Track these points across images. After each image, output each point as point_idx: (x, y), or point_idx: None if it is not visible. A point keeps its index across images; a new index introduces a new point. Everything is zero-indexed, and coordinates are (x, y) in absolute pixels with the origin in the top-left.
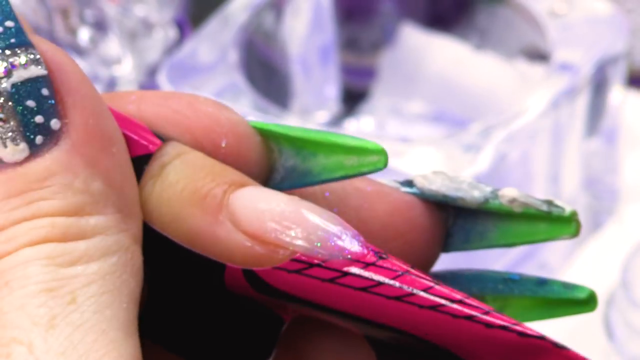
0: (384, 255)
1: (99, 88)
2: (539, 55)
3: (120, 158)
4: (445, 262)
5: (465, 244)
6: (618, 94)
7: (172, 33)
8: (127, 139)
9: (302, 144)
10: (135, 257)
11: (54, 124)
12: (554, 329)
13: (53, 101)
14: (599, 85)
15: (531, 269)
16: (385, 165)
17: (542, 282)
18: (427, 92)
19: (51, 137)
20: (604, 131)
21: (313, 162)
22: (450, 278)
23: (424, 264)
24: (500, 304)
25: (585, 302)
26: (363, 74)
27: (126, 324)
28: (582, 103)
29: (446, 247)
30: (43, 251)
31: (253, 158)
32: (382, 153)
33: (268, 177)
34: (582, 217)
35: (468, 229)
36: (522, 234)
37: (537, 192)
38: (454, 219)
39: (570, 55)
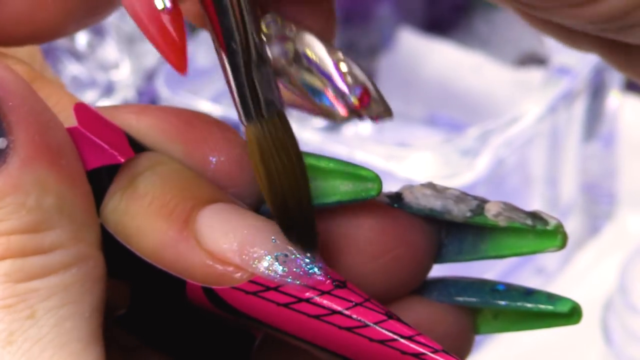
0: (341, 284)
1: (97, 93)
2: (536, 60)
3: (70, 169)
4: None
5: (459, 256)
6: (615, 99)
7: None
8: (96, 148)
9: None
10: (97, 264)
11: (1, 143)
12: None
13: None
14: (596, 90)
15: (528, 274)
16: (379, 193)
17: (528, 293)
18: (424, 96)
19: None
20: (601, 135)
21: (310, 185)
22: (440, 287)
23: (414, 277)
24: (493, 312)
25: (568, 316)
26: None
27: (88, 333)
28: (579, 107)
29: (440, 257)
30: (0, 268)
31: (244, 180)
32: (377, 181)
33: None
34: (580, 221)
35: (461, 240)
36: (511, 247)
37: (535, 196)
38: (447, 229)
39: (568, 60)
